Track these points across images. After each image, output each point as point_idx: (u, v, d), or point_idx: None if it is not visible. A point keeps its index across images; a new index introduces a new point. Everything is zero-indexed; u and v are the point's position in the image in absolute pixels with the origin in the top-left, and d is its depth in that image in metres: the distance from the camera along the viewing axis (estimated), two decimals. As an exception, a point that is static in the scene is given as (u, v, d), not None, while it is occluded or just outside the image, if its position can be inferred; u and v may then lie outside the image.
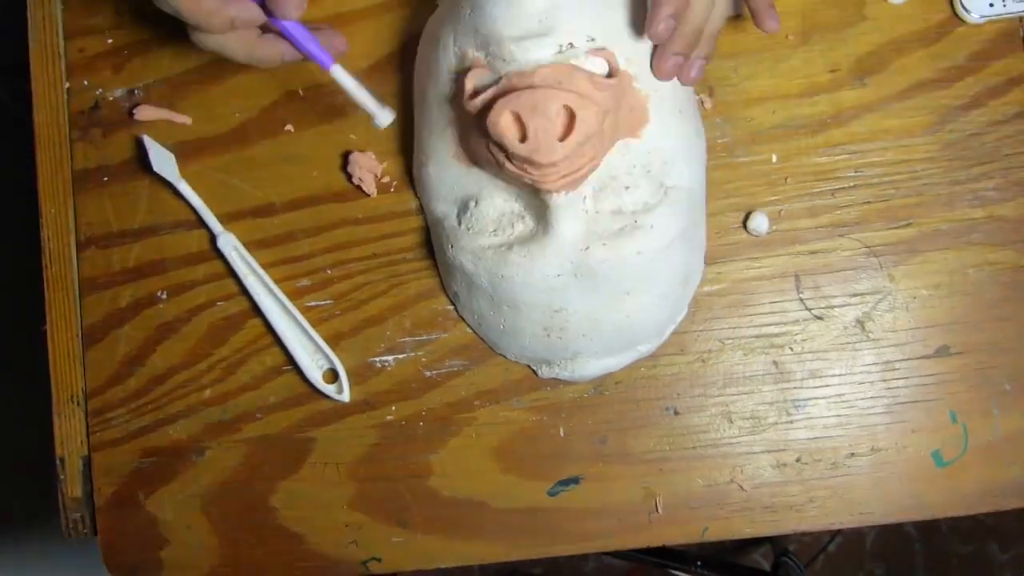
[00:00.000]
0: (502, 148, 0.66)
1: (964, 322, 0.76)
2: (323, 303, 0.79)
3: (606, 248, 0.69)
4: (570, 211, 0.69)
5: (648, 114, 0.71)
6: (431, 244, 0.78)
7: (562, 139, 0.65)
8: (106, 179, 0.81)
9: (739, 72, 0.78)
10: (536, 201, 0.70)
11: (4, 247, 1.20)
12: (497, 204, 0.73)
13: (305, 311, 0.79)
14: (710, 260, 0.77)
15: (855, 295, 0.77)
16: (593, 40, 0.68)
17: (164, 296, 0.80)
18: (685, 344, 0.77)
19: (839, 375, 0.76)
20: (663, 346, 0.77)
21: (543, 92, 0.65)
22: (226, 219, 0.80)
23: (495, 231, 0.73)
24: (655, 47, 0.70)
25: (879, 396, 0.76)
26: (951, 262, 0.76)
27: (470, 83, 0.68)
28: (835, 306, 0.77)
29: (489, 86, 0.67)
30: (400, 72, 0.80)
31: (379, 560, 0.78)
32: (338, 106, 0.80)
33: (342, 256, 0.79)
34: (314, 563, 0.79)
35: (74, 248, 0.81)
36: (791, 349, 0.77)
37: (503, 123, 0.65)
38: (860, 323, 0.76)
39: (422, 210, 0.79)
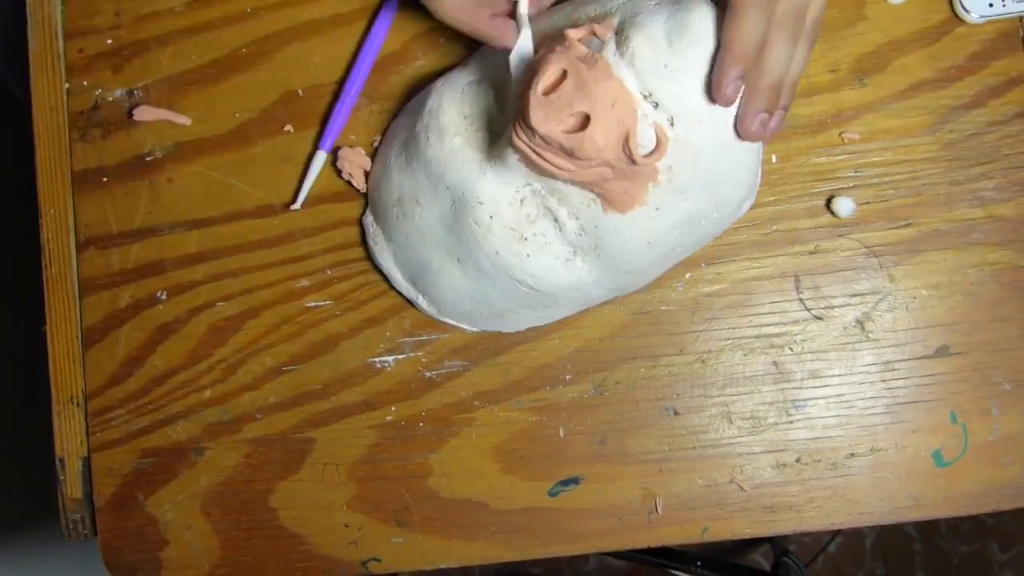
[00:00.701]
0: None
1: (964, 322, 0.76)
2: (323, 303, 0.79)
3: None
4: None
5: (645, 196, 0.67)
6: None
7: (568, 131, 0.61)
8: (105, 180, 0.81)
9: (739, 72, 0.78)
10: (589, 211, 0.67)
11: (4, 248, 1.20)
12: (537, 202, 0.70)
13: (305, 312, 0.79)
14: (709, 260, 0.77)
15: (855, 295, 0.77)
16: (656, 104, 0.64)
17: (164, 296, 0.80)
18: (684, 344, 0.77)
19: (839, 375, 0.76)
20: (663, 347, 0.77)
21: (598, 81, 0.61)
22: (226, 219, 0.80)
23: (534, 221, 0.70)
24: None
25: (879, 396, 0.76)
26: (951, 262, 0.76)
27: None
28: (835, 306, 0.77)
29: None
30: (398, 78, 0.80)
31: (379, 560, 0.78)
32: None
33: (342, 256, 0.79)
34: (314, 563, 0.79)
35: (74, 249, 0.81)
36: (791, 349, 0.77)
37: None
38: (860, 323, 0.76)
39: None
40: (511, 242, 0.69)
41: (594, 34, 0.64)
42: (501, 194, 0.69)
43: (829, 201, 0.77)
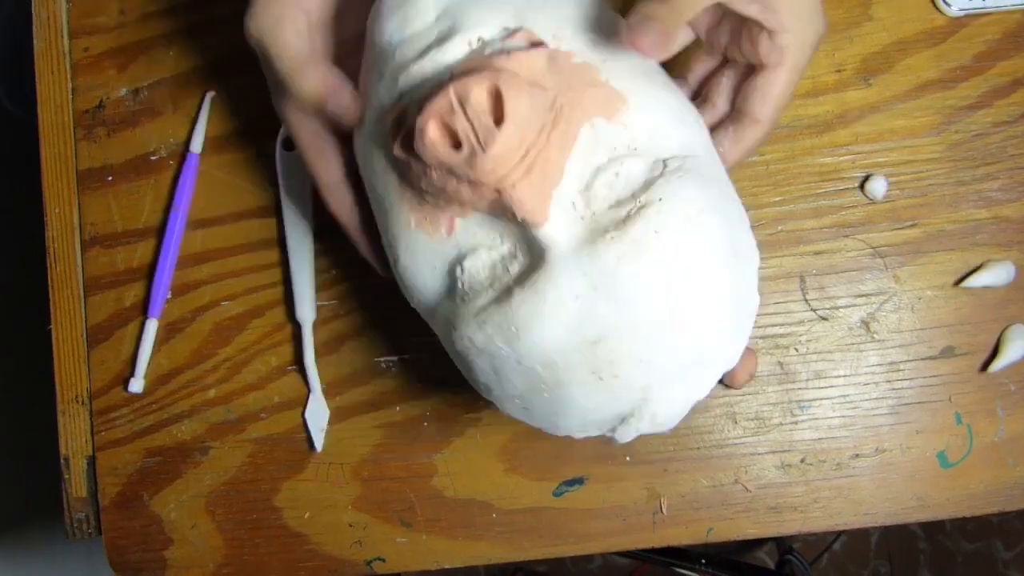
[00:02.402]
0: (447, 170, 0.55)
1: (969, 323, 0.76)
2: (328, 303, 0.79)
3: (616, 240, 0.55)
4: (561, 220, 0.56)
5: (620, 93, 0.59)
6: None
7: (497, 124, 0.53)
8: (110, 178, 0.81)
9: (744, 72, 0.78)
10: (521, 229, 0.57)
11: (8, 247, 1.21)
12: (483, 257, 0.59)
13: (309, 311, 0.79)
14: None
15: (860, 296, 0.76)
16: (507, 29, 0.59)
17: (169, 295, 0.80)
18: (690, 345, 0.77)
19: (844, 376, 0.76)
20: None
21: (456, 85, 0.54)
22: (230, 219, 0.80)
23: (491, 285, 0.58)
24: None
25: (884, 397, 0.76)
26: (956, 263, 0.76)
27: (390, 117, 0.59)
28: (840, 307, 0.77)
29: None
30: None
31: (383, 560, 0.78)
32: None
33: (346, 256, 0.79)
34: (318, 563, 0.79)
35: (79, 248, 0.81)
36: (796, 350, 0.77)
37: (430, 136, 0.54)
38: (865, 324, 0.76)
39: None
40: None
41: None
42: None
43: (863, 184, 0.77)
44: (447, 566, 0.78)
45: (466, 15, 0.59)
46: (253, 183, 0.80)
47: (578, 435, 0.62)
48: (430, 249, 0.61)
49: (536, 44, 0.58)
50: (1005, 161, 0.76)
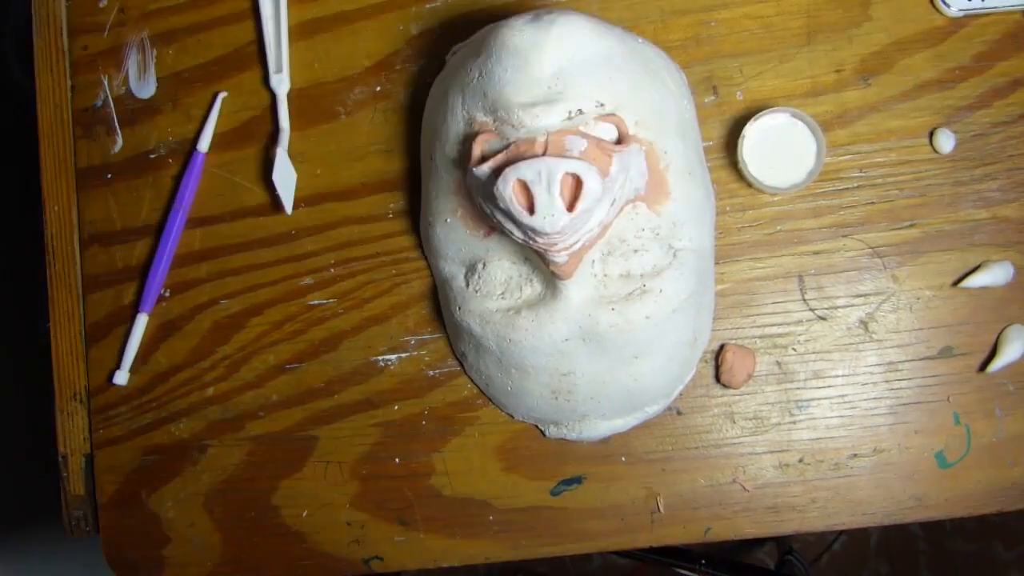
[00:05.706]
0: (509, 216, 0.64)
1: (967, 323, 0.76)
2: (326, 301, 0.79)
3: (615, 313, 0.68)
4: (578, 276, 0.68)
5: (668, 185, 0.70)
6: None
7: (569, 208, 0.62)
8: (109, 176, 0.81)
9: (744, 72, 0.78)
10: (544, 265, 0.68)
11: (7, 245, 1.21)
12: (505, 267, 0.72)
13: (308, 309, 0.79)
14: (714, 260, 0.77)
15: (858, 296, 0.76)
16: (602, 105, 0.67)
17: (167, 294, 0.80)
18: (688, 344, 0.77)
19: (842, 376, 0.76)
20: (666, 346, 0.77)
21: (549, 160, 0.62)
22: (230, 217, 0.80)
23: (503, 294, 0.72)
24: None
25: (882, 397, 0.76)
26: (955, 263, 0.76)
27: (478, 149, 0.66)
28: (838, 307, 0.76)
29: (497, 151, 0.65)
30: (402, 75, 0.80)
31: (381, 559, 0.78)
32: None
33: (345, 255, 0.79)
34: (316, 561, 0.79)
35: (77, 246, 0.81)
36: (794, 350, 0.76)
37: (510, 192, 0.63)
38: (863, 324, 0.76)
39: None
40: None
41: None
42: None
43: (931, 135, 0.76)
44: (445, 565, 0.78)
45: (576, 86, 0.66)
46: (252, 181, 0.80)
47: (516, 418, 0.78)
48: (463, 238, 0.73)
49: (621, 132, 0.67)
50: (1004, 161, 0.76)
